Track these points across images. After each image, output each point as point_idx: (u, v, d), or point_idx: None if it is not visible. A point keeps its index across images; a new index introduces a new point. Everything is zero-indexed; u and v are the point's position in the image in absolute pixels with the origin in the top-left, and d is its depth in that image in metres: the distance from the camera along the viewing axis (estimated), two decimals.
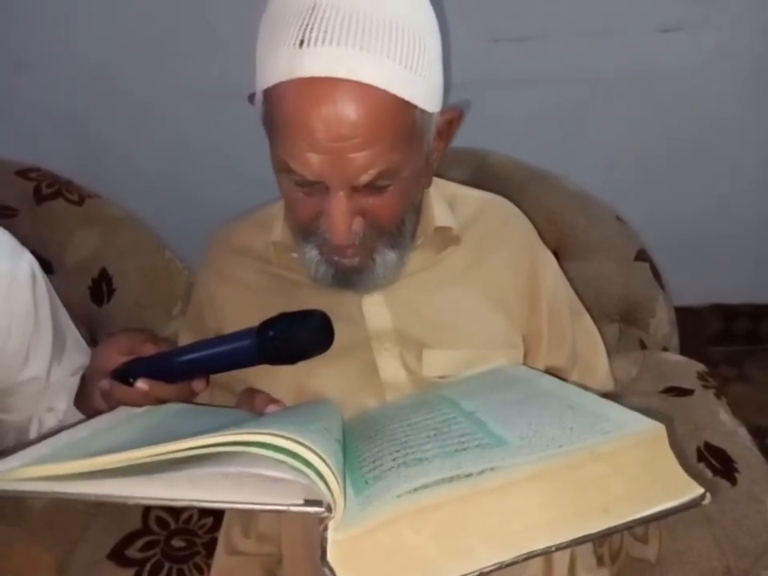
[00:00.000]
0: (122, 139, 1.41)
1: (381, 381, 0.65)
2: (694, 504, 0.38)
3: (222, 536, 0.75)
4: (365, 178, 0.53)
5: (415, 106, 0.54)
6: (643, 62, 1.38)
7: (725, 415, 0.84)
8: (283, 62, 0.51)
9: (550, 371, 0.73)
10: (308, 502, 0.39)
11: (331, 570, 0.38)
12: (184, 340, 0.75)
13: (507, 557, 0.38)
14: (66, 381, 0.77)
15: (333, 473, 0.39)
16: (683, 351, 1.02)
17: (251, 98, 0.61)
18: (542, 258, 0.73)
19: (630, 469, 0.39)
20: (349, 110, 0.50)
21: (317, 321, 0.61)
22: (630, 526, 0.38)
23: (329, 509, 0.39)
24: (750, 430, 0.84)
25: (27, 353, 0.75)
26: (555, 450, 0.40)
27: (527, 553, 0.38)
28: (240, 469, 0.39)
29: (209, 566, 0.75)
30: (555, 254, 1.01)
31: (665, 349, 1.01)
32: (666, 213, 1.52)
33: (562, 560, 0.70)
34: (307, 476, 0.38)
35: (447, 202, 0.70)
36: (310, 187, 0.56)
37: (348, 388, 0.64)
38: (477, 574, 0.38)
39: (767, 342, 1.73)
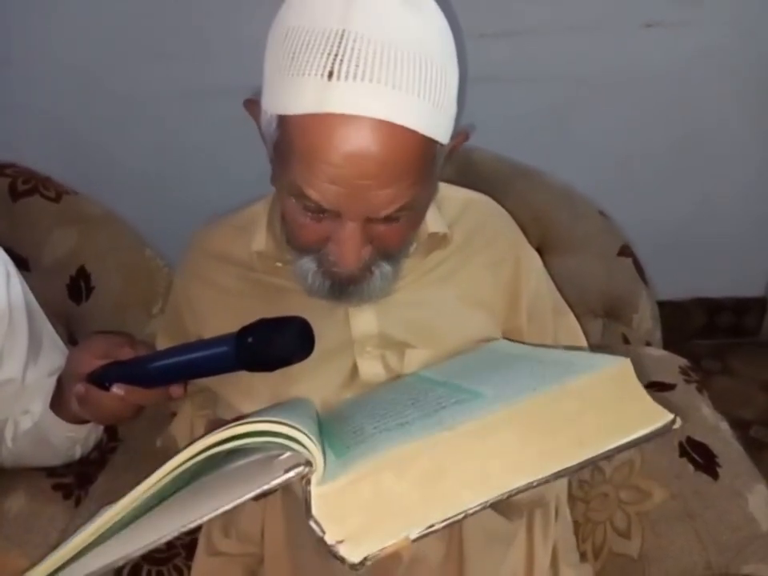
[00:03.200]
0: (108, 138, 1.40)
1: (361, 382, 0.64)
2: (666, 430, 0.40)
3: (202, 537, 0.74)
4: (385, 212, 0.53)
5: (436, 142, 0.53)
6: (628, 59, 1.38)
7: (707, 410, 0.84)
8: (309, 93, 0.49)
9: None
10: (287, 471, 0.39)
11: (317, 523, 0.38)
12: (162, 343, 0.74)
13: (489, 497, 0.38)
14: (42, 382, 0.75)
15: (302, 432, 0.39)
16: (667, 345, 1.03)
17: (248, 103, 0.60)
18: (525, 258, 0.73)
19: (601, 402, 0.40)
20: (377, 150, 0.49)
21: (297, 328, 0.60)
22: (606, 456, 0.39)
23: (308, 464, 0.39)
24: (734, 423, 0.84)
25: (1, 354, 0.74)
26: (528, 393, 0.41)
27: (509, 491, 0.38)
28: (217, 473, 0.39)
29: (189, 568, 0.74)
30: (539, 249, 1.02)
31: (648, 344, 1.02)
32: (651, 208, 1.52)
33: (544, 555, 0.70)
34: (278, 444, 0.39)
35: (435, 204, 0.70)
36: (321, 213, 0.54)
37: (328, 390, 0.63)
38: (462, 516, 0.38)
39: (750, 336, 1.74)
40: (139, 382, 0.59)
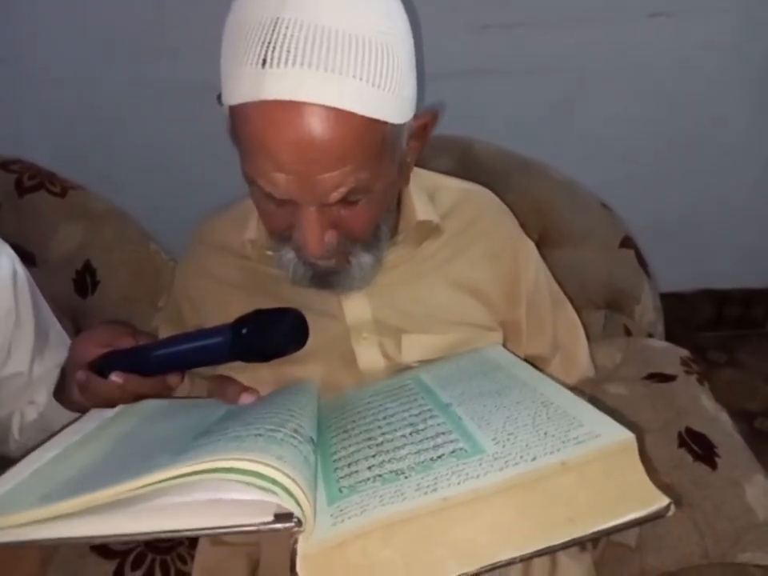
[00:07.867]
0: (112, 133, 1.40)
1: (359, 370, 0.65)
2: (660, 515, 0.38)
3: None
4: (335, 197, 0.53)
5: (385, 122, 0.52)
6: (632, 50, 1.37)
7: (707, 401, 0.84)
8: (246, 82, 0.50)
9: (530, 360, 0.74)
10: (278, 517, 0.39)
11: None
12: (164, 335, 0.75)
13: (473, 569, 0.38)
14: (48, 374, 0.77)
15: (301, 489, 0.39)
16: (674, 337, 1.02)
17: (219, 97, 0.60)
18: (522, 251, 0.73)
19: (599, 480, 0.39)
20: (314, 134, 0.49)
21: (291, 319, 0.61)
22: (594, 537, 0.38)
23: (299, 523, 0.39)
24: (740, 415, 0.85)
25: (9, 349, 0.75)
26: (528, 465, 0.40)
27: (493, 564, 0.38)
28: (209, 495, 0.39)
29: (192, 557, 0.75)
30: (540, 241, 1.02)
31: (650, 335, 1.01)
32: (657, 200, 1.52)
33: None
34: (275, 494, 0.38)
35: (428, 193, 0.70)
36: (281, 200, 0.55)
37: (326, 380, 0.64)
38: None
39: (757, 327, 1.73)
40: (138, 371, 0.60)
